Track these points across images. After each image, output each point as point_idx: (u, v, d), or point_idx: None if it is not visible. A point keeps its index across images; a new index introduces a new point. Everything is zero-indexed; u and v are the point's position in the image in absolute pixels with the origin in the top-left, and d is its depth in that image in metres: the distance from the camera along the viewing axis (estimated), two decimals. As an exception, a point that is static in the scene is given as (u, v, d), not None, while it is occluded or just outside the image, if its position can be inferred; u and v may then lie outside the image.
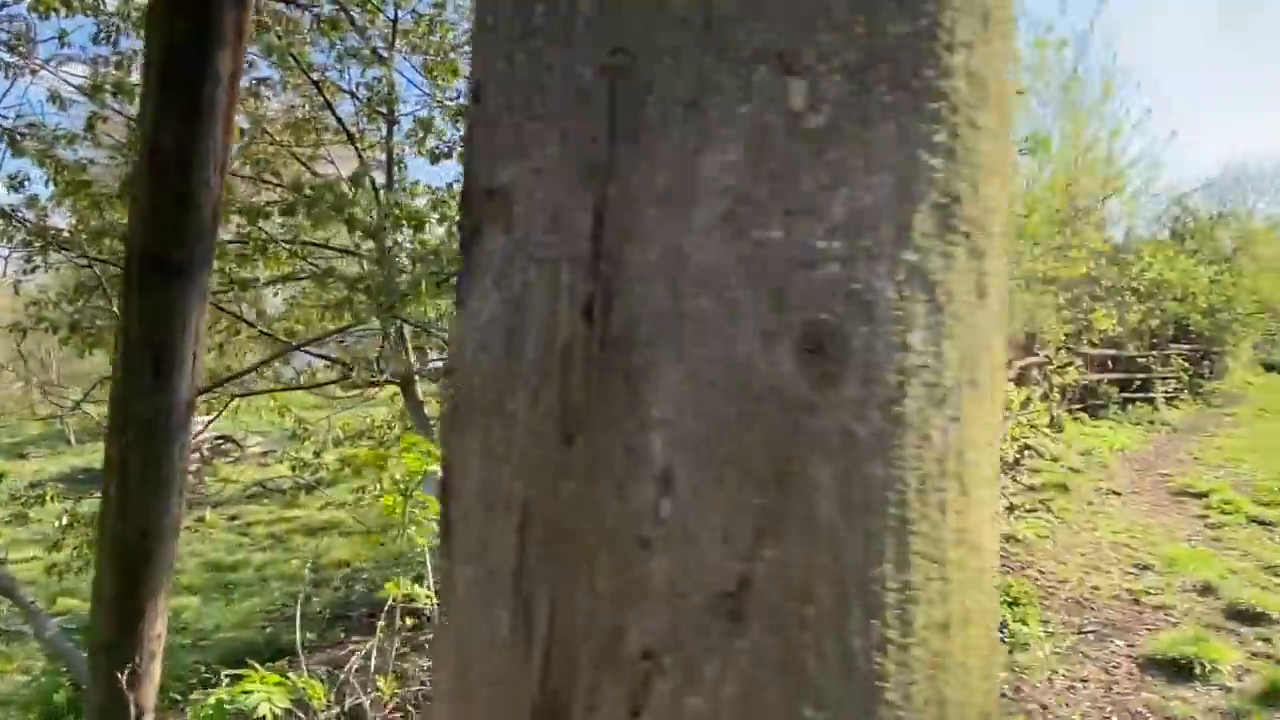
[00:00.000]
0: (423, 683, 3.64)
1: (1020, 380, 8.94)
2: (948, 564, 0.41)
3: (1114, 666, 5.56)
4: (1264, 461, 11.30)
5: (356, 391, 5.63)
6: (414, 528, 2.77)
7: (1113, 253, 13.09)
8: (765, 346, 0.38)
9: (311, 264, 5.04)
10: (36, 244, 5.23)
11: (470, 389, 0.44)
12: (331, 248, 5.26)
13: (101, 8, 4.81)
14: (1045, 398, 10.00)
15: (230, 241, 5.21)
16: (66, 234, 5.29)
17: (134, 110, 4.48)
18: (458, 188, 5.10)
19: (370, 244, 4.50)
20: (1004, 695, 4.99)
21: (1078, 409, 12.91)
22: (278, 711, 2.23)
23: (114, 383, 2.60)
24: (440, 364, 5.73)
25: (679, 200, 0.39)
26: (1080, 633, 6.01)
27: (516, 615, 0.41)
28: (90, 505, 5.58)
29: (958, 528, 0.42)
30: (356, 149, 5.19)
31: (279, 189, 5.13)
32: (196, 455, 11.33)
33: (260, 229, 4.74)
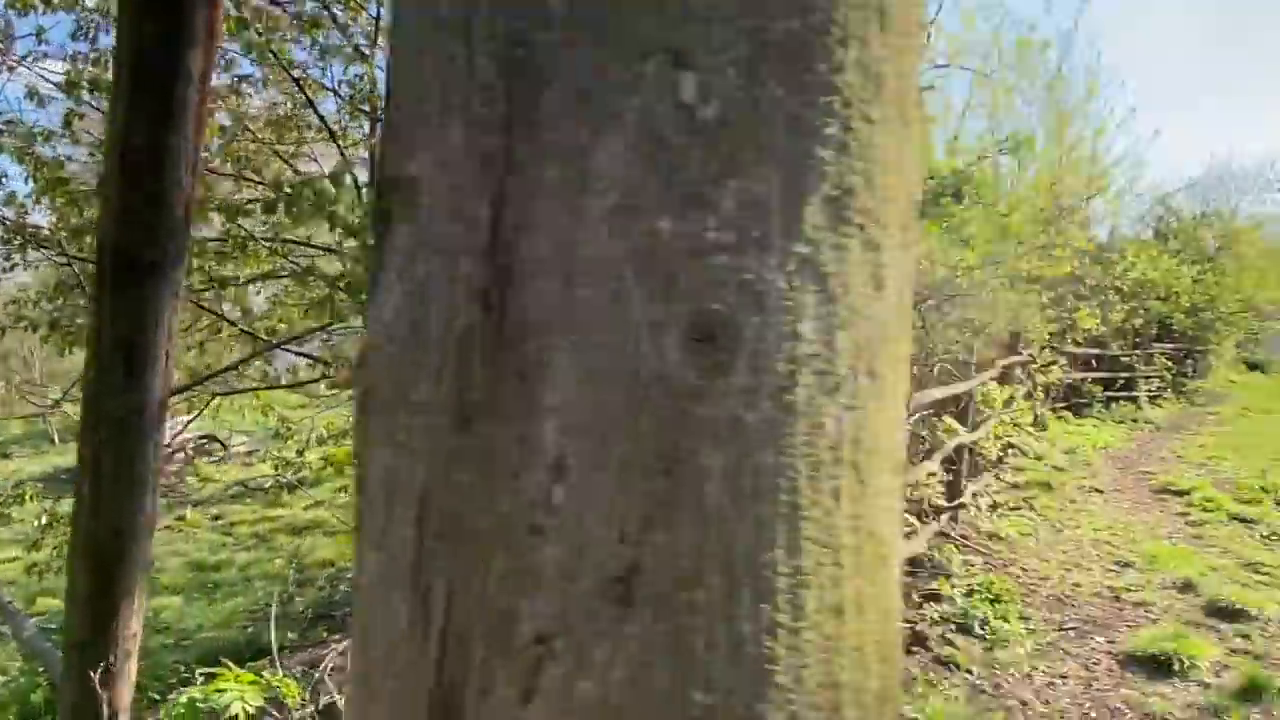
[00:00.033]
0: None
1: (1004, 379, 8.98)
2: (842, 550, 0.42)
3: (1094, 663, 5.61)
4: (1246, 460, 11.40)
5: (338, 390, 5.62)
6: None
7: (1097, 252, 13.17)
8: (654, 336, 0.39)
9: (292, 262, 5.03)
10: (15, 242, 5.20)
11: (377, 379, 0.45)
12: (313, 245, 5.25)
13: (80, 4, 4.78)
14: (1029, 396, 10.06)
15: (210, 239, 5.19)
16: (46, 232, 5.26)
17: (113, 107, 4.44)
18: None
19: (352, 242, 4.49)
20: (984, 692, 5.02)
21: (1062, 407, 13.00)
22: (250, 710, 2.24)
23: (86, 381, 2.59)
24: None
25: (572, 192, 0.40)
26: (1061, 629, 6.06)
27: (415, 605, 0.42)
28: (70, 504, 5.55)
29: (853, 514, 0.43)
30: (339, 146, 5.18)
31: (260, 187, 5.12)
32: (180, 455, 11.26)
33: (240, 226, 4.72)
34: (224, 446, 12.23)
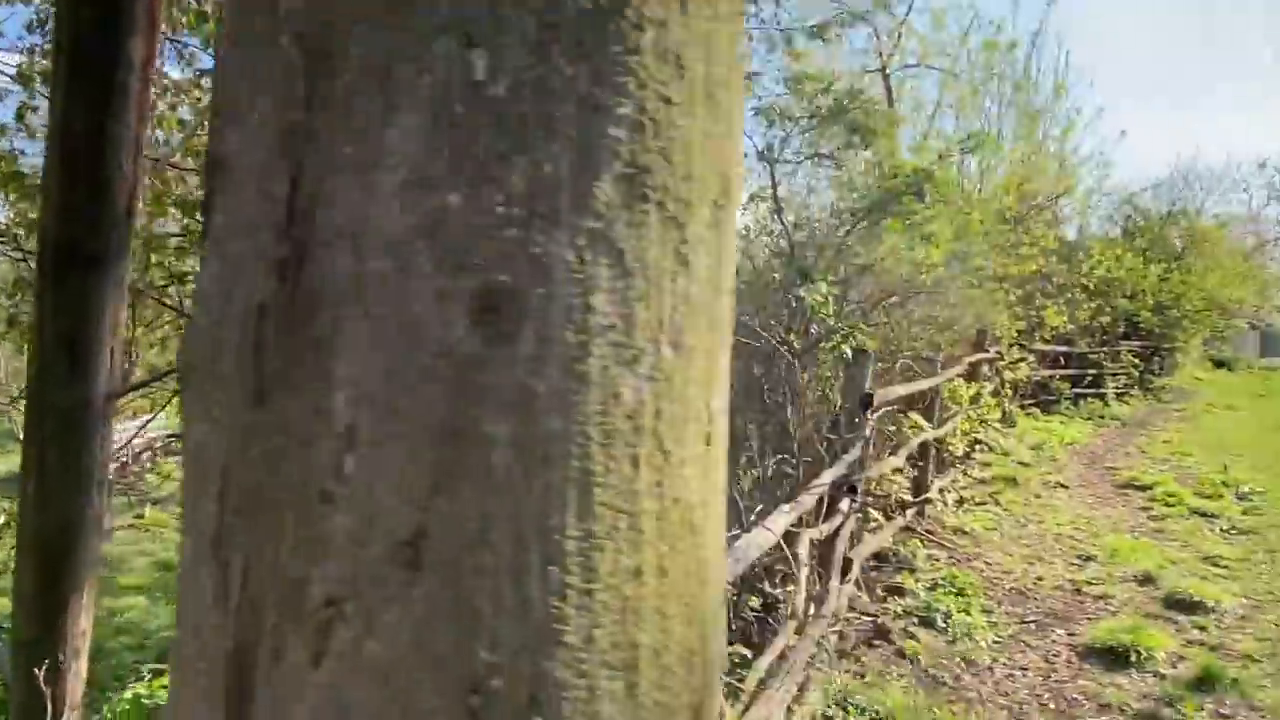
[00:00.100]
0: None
1: (971, 376, 9.08)
2: (641, 515, 0.44)
3: (1053, 655, 5.68)
4: (1208, 455, 11.58)
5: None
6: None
7: (1064, 250, 13.34)
8: (441, 307, 0.40)
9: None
10: (-29, 237, 5.13)
11: (192, 354, 0.46)
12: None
13: (36, -4, 4.72)
14: (996, 393, 10.17)
15: (171, 235, 5.15)
16: (2, 226, 5.19)
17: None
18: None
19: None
20: (944, 684, 5.08)
21: (1030, 404, 13.15)
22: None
23: (30, 376, 2.56)
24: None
25: (366, 167, 0.41)
26: (1022, 622, 6.14)
27: (217, 576, 0.43)
28: (29, 503, 5.48)
29: (654, 481, 0.44)
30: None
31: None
32: (147, 453, 11.14)
33: (199, 221, 4.70)
34: (192, 445, 12.08)
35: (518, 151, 0.41)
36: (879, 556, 6.68)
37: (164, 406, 5.72)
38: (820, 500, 4.95)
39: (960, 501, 8.32)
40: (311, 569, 0.41)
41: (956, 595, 6.18)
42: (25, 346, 5.45)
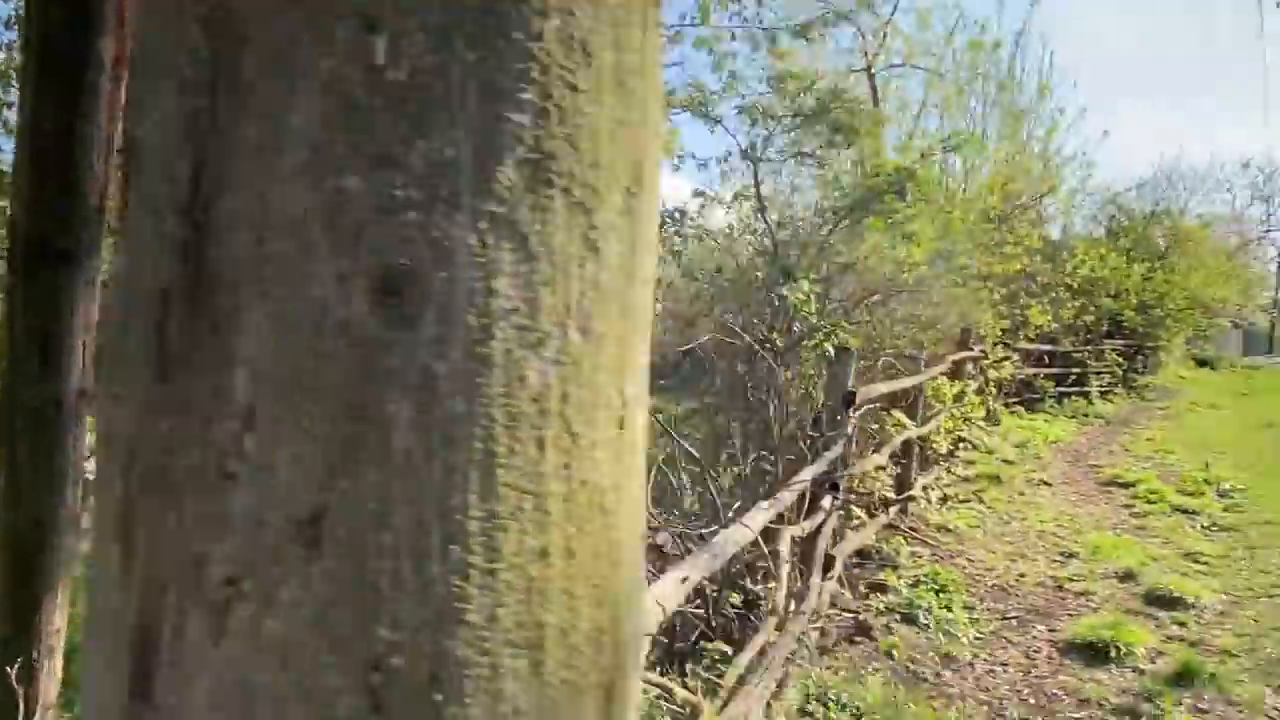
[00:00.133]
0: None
1: (955, 374, 9.12)
2: (547, 496, 0.44)
3: (1034, 651, 5.72)
4: (1191, 453, 11.67)
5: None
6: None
7: (1048, 249, 13.42)
8: (340, 289, 0.41)
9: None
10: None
11: (106, 337, 0.46)
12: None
13: (14, -8, 4.69)
14: (980, 391, 10.22)
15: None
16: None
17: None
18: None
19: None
20: (925, 680, 5.11)
21: (1014, 402, 13.22)
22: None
23: (1, 372, 2.55)
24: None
25: (267, 150, 0.42)
26: (1004, 618, 6.17)
27: (122, 555, 0.43)
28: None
29: (561, 464, 0.45)
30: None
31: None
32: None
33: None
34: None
35: (418, 135, 0.41)
36: (862, 553, 6.71)
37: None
38: (802, 497, 4.97)
39: (944, 499, 8.36)
40: (211, 547, 0.41)
41: (939, 592, 6.22)
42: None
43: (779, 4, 6.92)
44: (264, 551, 0.41)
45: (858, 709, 4.49)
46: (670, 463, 5.29)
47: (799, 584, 4.88)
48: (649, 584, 2.75)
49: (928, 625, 5.80)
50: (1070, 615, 6.29)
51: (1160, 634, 6.00)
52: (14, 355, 2.44)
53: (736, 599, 4.64)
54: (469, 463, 0.42)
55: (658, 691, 3.13)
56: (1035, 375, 14.05)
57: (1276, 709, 5.05)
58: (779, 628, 4.13)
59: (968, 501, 8.57)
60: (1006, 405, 12.71)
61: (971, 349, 9.76)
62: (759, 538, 3.81)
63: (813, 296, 5.77)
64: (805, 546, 5.18)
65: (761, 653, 3.85)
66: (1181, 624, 6.19)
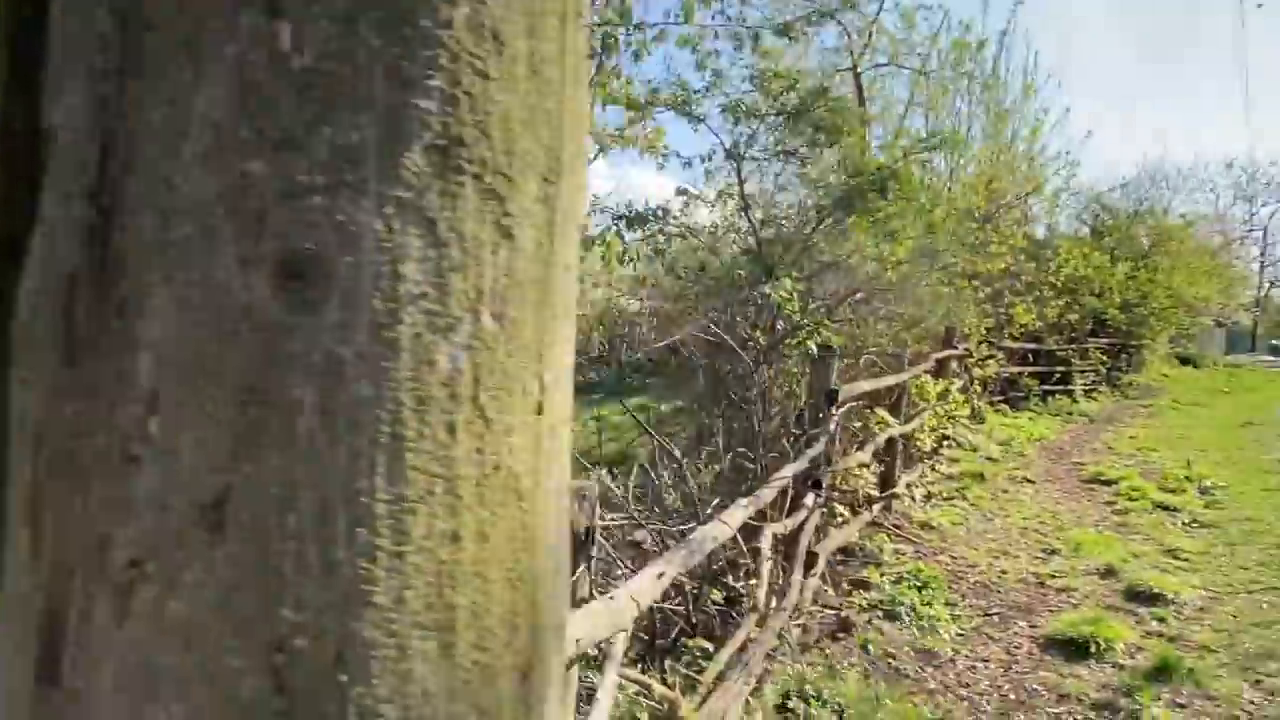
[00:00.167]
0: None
1: (939, 372, 9.17)
2: (459, 480, 0.45)
3: (1015, 646, 5.75)
4: (1173, 450, 11.76)
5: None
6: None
7: (1032, 248, 13.50)
8: (244, 273, 0.41)
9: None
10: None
11: (17, 322, 0.46)
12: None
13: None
14: (965, 390, 10.27)
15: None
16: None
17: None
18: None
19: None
20: (906, 676, 5.13)
21: (999, 401, 13.29)
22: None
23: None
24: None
25: (172, 135, 0.42)
26: (985, 615, 6.21)
27: (31, 538, 0.44)
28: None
29: (474, 448, 0.45)
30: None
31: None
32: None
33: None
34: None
35: (323, 121, 0.42)
36: (846, 551, 6.73)
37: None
38: (785, 495, 4.98)
39: (928, 496, 8.40)
40: (116, 530, 0.41)
41: (921, 589, 6.24)
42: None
43: (764, 2, 6.94)
44: (167, 534, 0.41)
45: (838, 705, 4.51)
46: (652, 461, 5.30)
47: (781, 581, 4.90)
48: (627, 580, 2.76)
49: (909, 622, 5.83)
50: (1051, 611, 6.33)
51: (1140, 630, 6.04)
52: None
53: (718, 596, 4.65)
54: (376, 446, 0.42)
55: (636, 688, 3.14)
56: (1020, 373, 14.13)
57: (1253, 703, 5.09)
58: (760, 624, 4.15)
59: (951, 499, 8.61)
60: (991, 403, 12.77)
61: (956, 347, 9.80)
62: (740, 534, 3.82)
63: (795, 294, 5.79)
64: (788, 544, 5.19)
65: (742, 649, 3.86)
66: (1161, 620, 6.23)
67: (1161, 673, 5.32)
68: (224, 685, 0.40)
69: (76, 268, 0.43)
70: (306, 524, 0.41)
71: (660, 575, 2.67)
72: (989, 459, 10.32)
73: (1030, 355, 14.54)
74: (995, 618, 6.17)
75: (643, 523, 4.41)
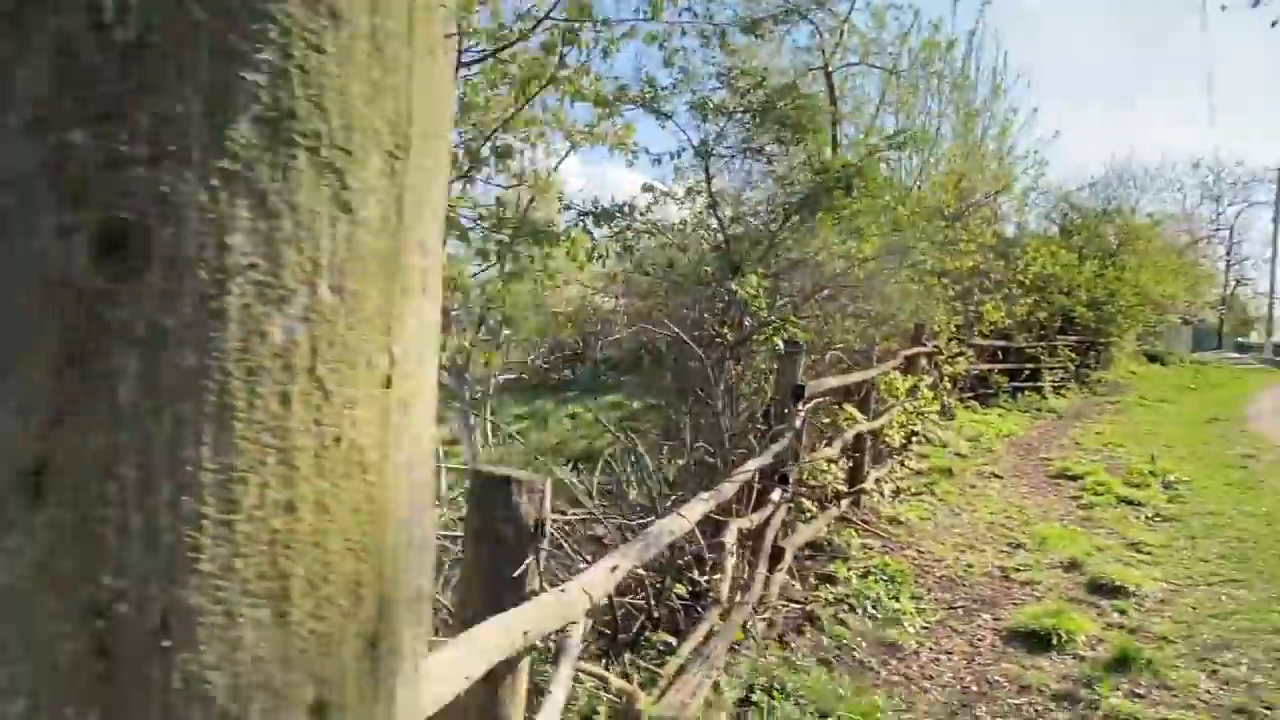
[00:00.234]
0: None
1: (908, 369, 9.24)
2: (295, 451, 0.45)
3: (979, 639, 5.81)
4: (1139, 446, 11.92)
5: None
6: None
7: (1001, 246, 13.64)
8: (62, 242, 0.41)
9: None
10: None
11: None
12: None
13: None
14: (934, 387, 10.36)
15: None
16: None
17: None
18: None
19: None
20: (870, 669, 5.17)
21: (969, 397, 13.42)
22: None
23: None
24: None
25: (-4, 107, 0.42)
26: (950, 608, 6.26)
27: None
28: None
29: (311, 419, 0.46)
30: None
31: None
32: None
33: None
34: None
35: (146, 92, 0.42)
36: (813, 546, 6.77)
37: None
38: (751, 490, 5.00)
39: (897, 492, 8.46)
40: (-66, 498, 0.42)
41: (888, 583, 6.28)
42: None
43: (735, 0, 6.96)
44: (-13, 502, 0.41)
45: (802, 697, 4.53)
46: (618, 457, 5.30)
47: (746, 575, 4.92)
48: (581, 573, 2.76)
49: (875, 615, 5.87)
50: (1015, 604, 6.39)
51: (1101, 622, 6.12)
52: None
53: (683, 591, 4.66)
54: (202, 416, 0.43)
55: (594, 681, 3.14)
56: (989, 370, 14.27)
57: (1209, 693, 5.17)
58: (723, 618, 4.16)
59: (920, 494, 8.68)
60: (961, 400, 12.89)
61: (925, 344, 9.88)
62: (701, 528, 3.83)
63: (762, 291, 5.81)
64: (754, 539, 5.22)
65: (705, 642, 3.88)
66: (1122, 612, 6.31)
67: (1121, 664, 5.39)
68: (44, 650, 0.40)
69: (-102, 238, 0.43)
70: (129, 491, 0.41)
71: (614, 568, 2.67)
72: (958, 455, 10.41)
73: (1000, 352, 14.69)
74: (960, 611, 6.23)
75: (601, 518, 4.41)
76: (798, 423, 5.84)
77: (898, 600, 6.06)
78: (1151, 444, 12.02)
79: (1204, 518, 8.59)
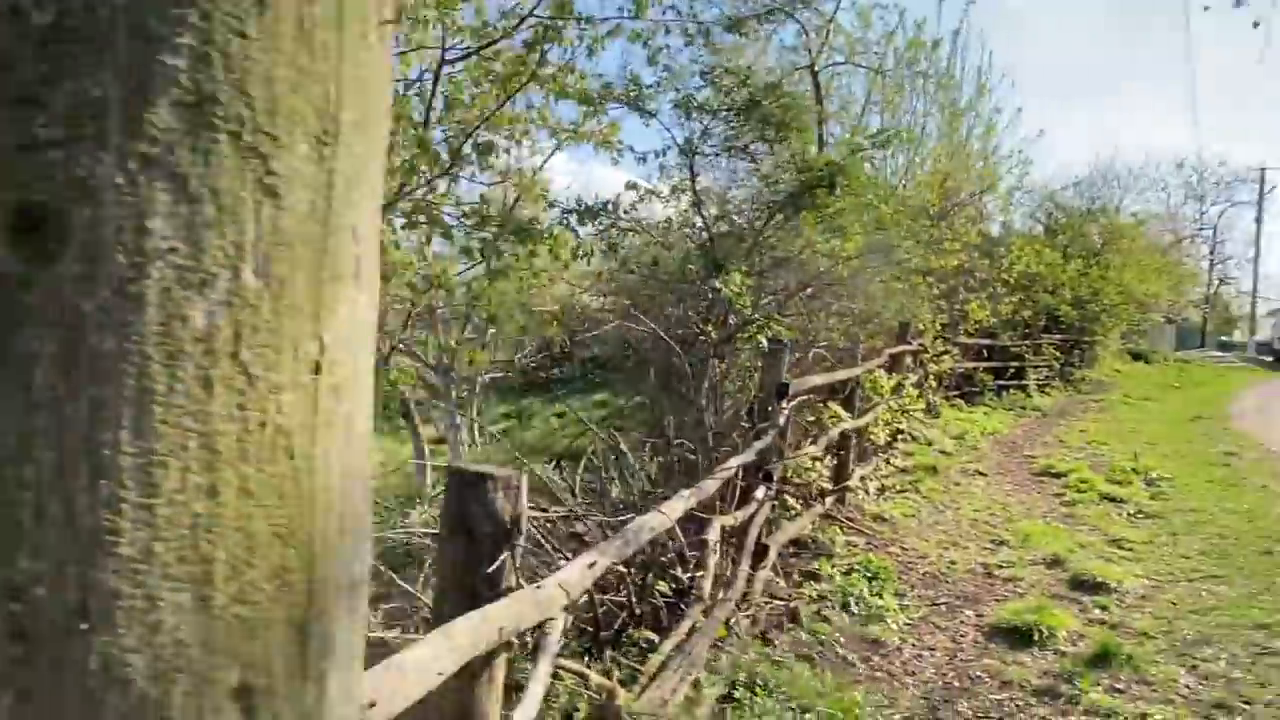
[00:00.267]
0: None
1: (893, 367, 9.27)
2: (217, 435, 0.45)
3: (961, 635, 5.84)
4: (1122, 444, 12.01)
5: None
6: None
7: (986, 245, 13.70)
8: (-21, 224, 0.41)
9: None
10: None
11: None
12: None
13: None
14: (919, 385, 10.40)
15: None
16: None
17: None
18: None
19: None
20: (853, 665, 5.19)
21: (954, 395, 13.48)
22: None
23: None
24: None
25: (-91, 91, 0.42)
26: (933, 604, 6.29)
27: None
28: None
29: (234, 404, 0.46)
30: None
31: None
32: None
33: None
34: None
35: (63, 76, 0.42)
36: (798, 543, 6.79)
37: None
38: (734, 487, 5.01)
39: (881, 489, 8.49)
40: None
41: (871, 579, 6.31)
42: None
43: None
44: (-102, 485, 0.41)
45: (785, 694, 4.55)
46: (601, 455, 5.31)
47: (730, 572, 4.93)
48: (559, 570, 2.76)
49: (858, 612, 5.90)
50: (998, 601, 6.43)
51: (1083, 617, 6.16)
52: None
53: (665, 588, 4.66)
54: (121, 400, 0.43)
55: (575, 679, 3.14)
56: (975, 369, 14.34)
57: (1189, 688, 5.21)
58: (705, 614, 4.17)
59: (904, 492, 8.72)
60: (946, 398, 12.95)
61: (910, 343, 9.92)
62: (684, 525, 3.84)
63: (746, 289, 5.82)
64: (738, 536, 5.23)
65: (687, 639, 3.88)
66: (1104, 608, 6.36)
67: (1102, 659, 5.43)
68: (-42, 634, 0.40)
69: None
70: (45, 474, 0.42)
71: (592, 565, 2.68)
72: (943, 452, 10.47)
73: (985, 351, 14.76)
74: (943, 607, 6.26)
75: (582, 515, 4.41)
76: (782, 420, 5.86)
77: (881, 597, 6.09)
78: (1135, 442, 12.12)
79: (1186, 515, 8.67)
